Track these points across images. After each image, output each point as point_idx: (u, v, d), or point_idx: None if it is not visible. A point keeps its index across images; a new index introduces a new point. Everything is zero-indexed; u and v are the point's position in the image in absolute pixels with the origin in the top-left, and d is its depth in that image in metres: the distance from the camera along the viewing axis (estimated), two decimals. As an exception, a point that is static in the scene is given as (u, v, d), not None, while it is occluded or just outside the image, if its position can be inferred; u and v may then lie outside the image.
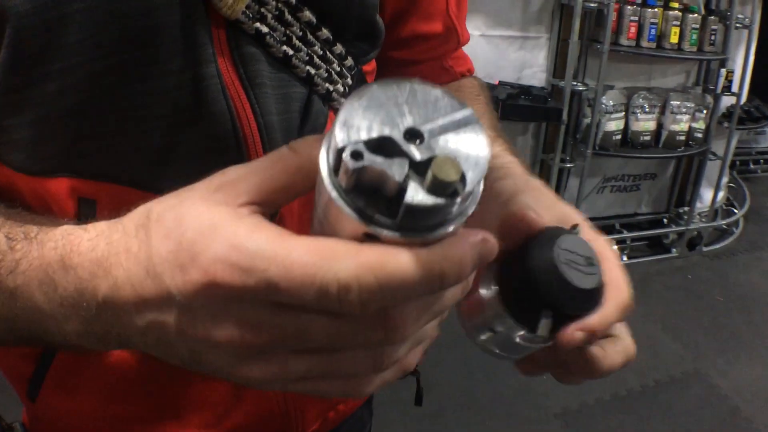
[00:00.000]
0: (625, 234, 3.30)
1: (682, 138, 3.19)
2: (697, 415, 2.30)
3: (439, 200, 0.25)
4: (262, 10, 0.49)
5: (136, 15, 0.42)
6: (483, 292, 0.41)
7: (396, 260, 0.26)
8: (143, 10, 0.43)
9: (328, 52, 0.55)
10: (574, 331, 0.39)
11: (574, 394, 2.32)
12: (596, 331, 0.40)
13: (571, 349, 0.40)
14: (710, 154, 3.35)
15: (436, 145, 0.26)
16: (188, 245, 0.29)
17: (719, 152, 3.37)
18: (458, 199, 0.26)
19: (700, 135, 3.24)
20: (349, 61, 0.57)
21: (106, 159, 0.47)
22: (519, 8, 2.81)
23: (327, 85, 0.55)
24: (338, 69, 0.56)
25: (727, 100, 3.30)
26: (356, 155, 0.25)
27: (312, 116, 0.54)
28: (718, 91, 3.19)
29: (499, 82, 2.83)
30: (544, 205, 0.43)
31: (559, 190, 3.10)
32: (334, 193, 0.26)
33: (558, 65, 2.97)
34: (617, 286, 0.42)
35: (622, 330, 0.45)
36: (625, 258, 3.25)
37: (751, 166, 4.64)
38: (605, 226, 3.35)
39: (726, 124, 3.34)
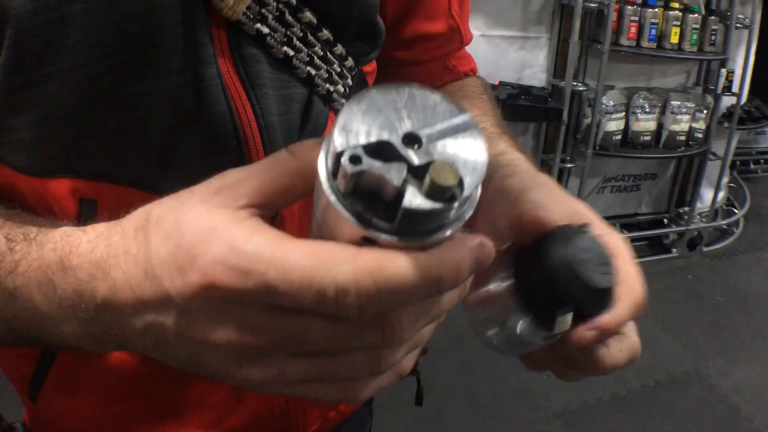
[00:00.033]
0: (626, 234, 3.30)
1: (683, 138, 3.19)
2: (697, 415, 2.30)
3: (437, 205, 0.25)
4: (263, 11, 0.49)
5: (137, 16, 0.43)
6: (495, 287, 0.41)
7: (394, 264, 0.26)
8: (144, 11, 0.43)
9: (328, 53, 0.55)
10: (586, 330, 0.39)
11: (575, 394, 2.33)
12: (609, 330, 0.40)
13: (579, 346, 0.40)
14: (710, 154, 3.35)
15: (434, 150, 0.26)
16: (187, 247, 0.29)
17: (719, 152, 3.37)
18: (456, 204, 0.26)
19: (700, 135, 3.24)
20: (350, 62, 0.57)
21: (106, 159, 0.47)
22: (519, 8, 2.81)
23: (327, 85, 0.55)
24: (339, 70, 0.56)
25: (727, 100, 3.30)
26: (355, 159, 0.25)
27: (312, 117, 0.54)
28: (719, 91, 3.19)
29: (500, 82, 2.83)
30: (555, 202, 0.43)
31: (559, 190, 3.10)
32: (332, 197, 0.26)
33: (558, 65, 2.97)
34: (630, 284, 0.42)
35: (629, 327, 0.45)
36: (625, 258, 3.24)
37: (752, 166, 4.64)
38: (605, 226, 3.34)
39: (726, 124, 3.34)
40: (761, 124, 3.80)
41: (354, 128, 0.26)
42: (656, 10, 2.89)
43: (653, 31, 2.90)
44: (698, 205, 3.47)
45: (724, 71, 3.14)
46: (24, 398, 0.60)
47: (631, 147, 3.13)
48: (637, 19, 2.88)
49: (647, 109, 3.09)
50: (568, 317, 0.39)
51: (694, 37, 3.00)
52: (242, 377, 0.32)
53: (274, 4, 0.49)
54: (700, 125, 3.22)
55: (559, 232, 0.40)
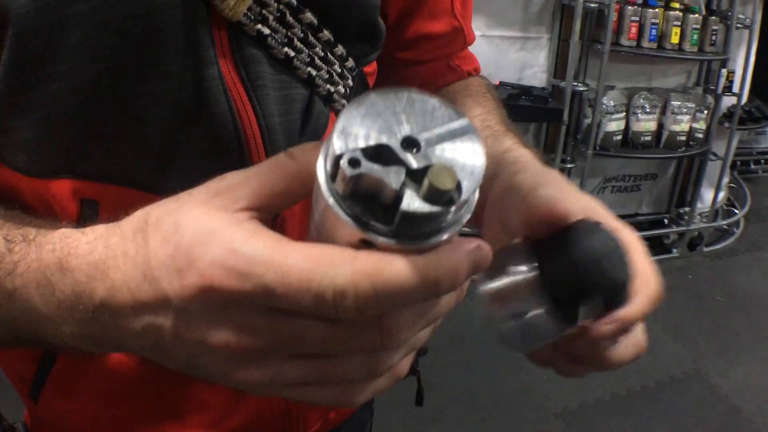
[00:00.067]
0: (626, 234, 3.29)
1: (683, 138, 3.19)
2: (698, 416, 2.30)
3: (435, 208, 0.25)
4: (264, 11, 0.49)
5: (138, 17, 0.43)
6: (515, 279, 0.41)
7: (392, 267, 0.26)
8: (145, 12, 0.43)
9: (329, 54, 0.55)
10: (606, 324, 0.39)
11: (575, 394, 2.33)
12: (628, 324, 0.39)
13: (597, 340, 0.40)
14: (711, 154, 3.35)
15: (432, 154, 0.27)
16: (186, 249, 0.29)
17: (720, 152, 3.37)
18: (453, 208, 0.26)
19: (700, 135, 3.24)
20: (350, 63, 0.57)
21: (107, 160, 0.47)
22: (519, 8, 2.81)
23: (328, 86, 0.55)
24: (339, 70, 0.56)
25: (727, 101, 3.30)
26: (354, 162, 0.26)
27: (313, 117, 0.54)
28: (719, 91, 3.18)
29: (500, 82, 2.83)
30: (569, 197, 0.43)
31: (559, 190, 3.10)
32: (331, 200, 0.27)
33: (559, 66, 2.97)
34: (646, 278, 0.42)
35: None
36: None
37: (752, 167, 4.63)
38: (606, 226, 3.34)
39: (727, 125, 3.34)
40: (762, 125, 3.79)
41: (353, 132, 0.26)
42: (657, 10, 2.89)
43: (654, 32, 2.90)
44: (699, 205, 3.47)
45: (724, 71, 3.14)
46: (25, 399, 0.60)
47: (631, 147, 3.13)
48: (637, 19, 2.88)
49: (648, 110, 3.09)
50: (589, 310, 0.39)
51: (695, 37, 3.00)
52: (239, 379, 0.32)
53: (275, 5, 0.49)
54: (701, 125, 3.22)
55: (579, 225, 0.40)
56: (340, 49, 0.56)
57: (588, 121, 3.00)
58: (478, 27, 2.66)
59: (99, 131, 0.45)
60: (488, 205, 0.48)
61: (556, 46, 2.94)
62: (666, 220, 3.56)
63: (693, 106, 3.15)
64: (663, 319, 2.76)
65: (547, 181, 0.45)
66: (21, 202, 0.47)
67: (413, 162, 0.26)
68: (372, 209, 0.26)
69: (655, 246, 3.46)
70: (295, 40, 0.51)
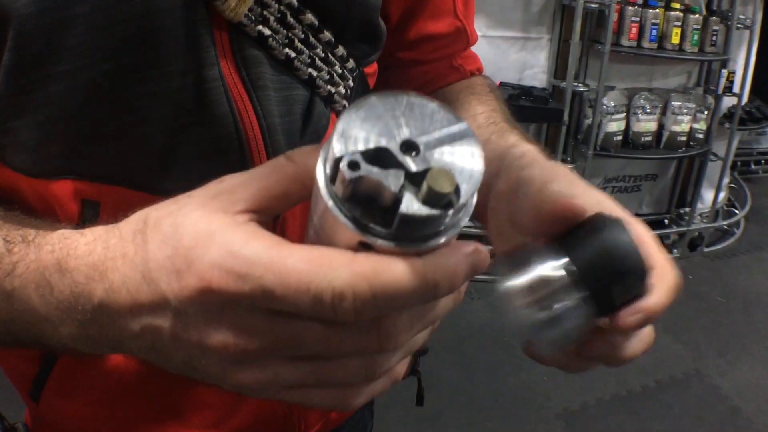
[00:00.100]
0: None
1: (683, 139, 3.19)
2: (698, 416, 2.30)
3: (434, 211, 0.26)
4: (265, 12, 0.49)
5: (139, 18, 0.43)
6: (544, 274, 0.40)
7: (390, 269, 0.26)
8: (145, 13, 0.43)
9: (329, 55, 0.55)
10: (630, 315, 0.39)
11: (575, 394, 2.33)
12: (653, 315, 0.39)
13: (622, 331, 0.39)
14: (711, 154, 3.35)
15: (431, 158, 0.27)
16: (185, 251, 0.29)
17: (720, 153, 3.37)
18: (452, 211, 0.26)
19: (701, 136, 3.24)
20: (351, 63, 0.58)
21: (109, 161, 0.47)
22: (520, 9, 2.81)
23: (329, 87, 0.55)
24: (340, 71, 0.56)
25: (728, 101, 3.30)
26: (353, 165, 0.26)
27: (314, 118, 0.54)
28: (720, 91, 3.18)
29: (500, 83, 2.83)
30: (583, 192, 0.43)
31: (560, 190, 3.10)
32: (330, 202, 0.27)
33: (559, 66, 2.97)
34: (664, 270, 0.41)
35: None
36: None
37: (752, 167, 4.63)
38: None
39: (727, 125, 3.34)
40: (762, 125, 3.79)
41: (353, 134, 0.27)
42: (657, 10, 2.89)
43: (654, 32, 2.90)
44: (699, 205, 3.47)
45: (725, 72, 3.14)
46: (26, 399, 0.60)
47: (631, 148, 3.13)
48: (638, 19, 2.88)
49: (648, 110, 3.09)
50: (620, 300, 0.39)
51: (695, 37, 3.00)
52: (237, 381, 0.32)
53: (276, 5, 0.49)
54: (701, 126, 3.22)
55: (600, 218, 0.40)
56: (340, 50, 0.56)
57: (588, 121, 3.00)
58: (478, 27, 2.64)
59: (100, 132, 0.45)
60: (494, 199, 0.48)
61: (557, 47, 2.94)
62: (666, 221, 3.56)
63: (693, 106, 3.15)
64: (663, 319, 2.75)
65: (558, 175, 0.45)
66: (22, 202, 0.47)
67: (412, 165, 0.26)
68: (371, 212, 0.26)
69: (656, 246, 3.46)
70: (296, 41, 0.51)
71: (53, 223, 0.40)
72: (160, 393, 0.57)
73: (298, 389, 0.33)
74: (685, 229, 3.41)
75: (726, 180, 3.59)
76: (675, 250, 3.43)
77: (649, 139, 3.14)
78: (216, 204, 0.31)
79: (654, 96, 3.12)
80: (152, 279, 0.31)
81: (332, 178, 0.27)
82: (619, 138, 3.09)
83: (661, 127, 3.16)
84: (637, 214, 3.50)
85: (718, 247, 3.58)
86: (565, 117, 2.88)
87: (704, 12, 3.09)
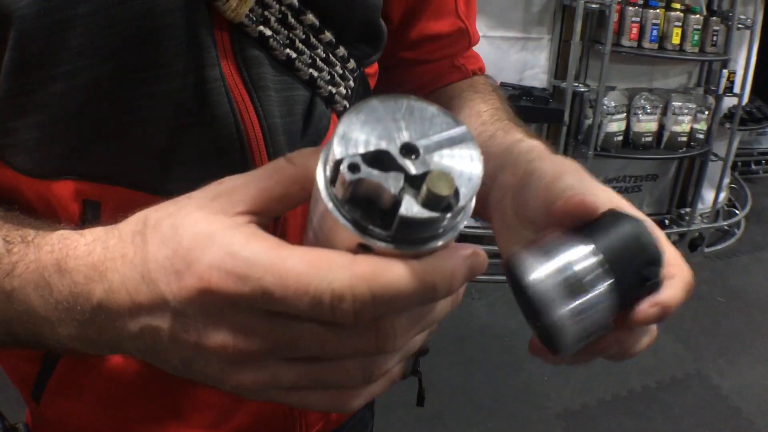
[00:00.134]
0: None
1: (684, 139, 3.19)
2: (698, 416, 2.30)
3: (433, 214, 0.26)
4: (266, 13, 0.49)
5: (140, 18, 0.43)
6: (571, 261, 0.39)
7: (389, 271, 0.27)
8: (146, 13, 0.43)
9: (330, 55, 0.55)
10: (650, 307, 0.38)
11: (575, 395, 2.33)
12: (670, 308, 0.39)
13: (639, 324, 0.39)
14: (712, 155, 3.34)
15: (431, 161, 0.27)
16: (184, 252, 0.29)
17: (721, 153, 3.36)
18: (451, 214, 0.26)
19: (701, 136, 3.24)
20: (352, 64, 0.58)
21: (109, 161, 0.47)
22: (520, 9, 2.81)
23: (330, 87, 0.55)
24: (341, 71, 0.57)
25: (728, 101, 3.30)
26: (353, 168, 0.26)
27: (315, 119, 0.54)
28: (720, 92, 3.18)
29: (501, 83, 2.83)
30: (595, 188, 0.43)
31: (560, 190, 3.10)
32: (330, 204, 0.27)
33: (559, 66, 2.97)
34: (678, 265, 0.41)
35: None
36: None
37: (753, 167, 4.63)
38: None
39: (728, 125, 3.34)
40: (763, 125, 3.79)
41: (353, 137, 0.27)
42: (658, 10, 2.89)
43: (655, 32, 2.90)
44: (699, 206, 3.47)
45: (725, 72, 3.14)
46: (27, 400, 0.60)
47: (632, 148, 3.13)
48: (638, 19, 2.88)
49: (648, 110, 3.09)
50: (643, 290, 0.39)
51: (696, 37, 3.00)
52: (235, 382, 0.32)
53: (277, 6, 0.49)
54: (702, 126, 3.22)
55: (617, 213, 0.39)
56: (341, 51, 0.56)
57: (589, 121, 3.00)
58: (478, 28, 2.64)
59: (101, 132, 0.45)
60: (500, 191, 0.48)
61: (557, 47, 2.94)
62: (667, 221, 3.56)
63: (694, 106, 3.15)
64: (661, 322, 2.76)
65: (568, 169, 0.45)
66: (22, 203, 0.47)
67: (412, 168, 0.26)
68: (370, 214, 0.27)
69: (656, 246, 3.46)
70: (297, 41, 0.51)
71: (53, 224, 0.40)
72: (160, 393, 0.57)
73: (296, 391, 0.33)
74: (685, 229, 3.41)
75: (726, 180, 3.59)
76: (675, 251, 3.43)
77: (649, 139, 3.14)
78: (216, 205, 0.31)
79: (654, 96, 3.12)
80: (151, 279, 0.31)
81: (332, 180, 0.27)
82: (620, 138, 3.09)
83: (661, 127, 3.16)
84: (638, 215, 3.51)
85: (719, 247, 3.58)
86: (566, 117, 2.88)
87: (705, 12, 3.09)
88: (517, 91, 2.79)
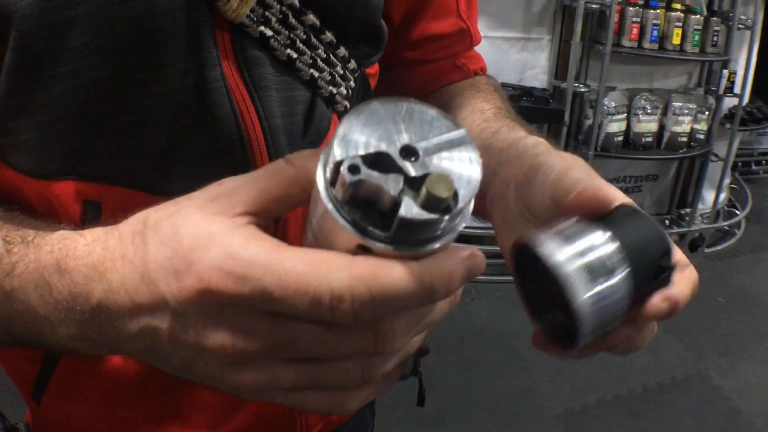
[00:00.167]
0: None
1: (684, 139, 3.19)
2: (699, 417, 2.30)
3: (432, 215, 0.26)
4: (267, 13, 0.49)
5: (141, 19, 0.43)
6: (594, 244, 0.39)
7: (388, 272, 0.27)
8: (148, 14, 0.43)
9: (331, 55, 0.55)
10: (661, 301, 0.38)
11: (576, 395, 2.33)
12: (680, 303, 0.39)
13: (650, 318, 0.39)
14: (712, 155, 3.35)
15: (430, 163, 0.27)
16: (184, 253, 0.30)
17: (721, 153, 3.37)
18: (450, 216, 0.27)
19: (702, 136, 3.24)
20: (353, 64, 0.58)
21: (110, 162, 0.47)
22: (521, 9, 2.81)
23: (330, 87, 0.55)
24: (341, 72, 0.57)
25: (729, 102, 3.30)
26: (353, 169, 0.26)
27: (316, 119, 0.54)
28: (720, 92, 3.19)
29: (501, 83, 2.82)
30: (600, 183, 0.43)
31: (560, 191, 3.10)
32: (330, 205, 0.27)
33: (560, 67, 2.97)
34: (684, 264, 0.41)
35: None
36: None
37: (753, 168, 4.63)
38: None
39: (728, 126, 3.34)
40: (763, 125, 3.79)
41: (353, 139, 0.27)
42: (658, 11, 2.89)
43: (655, 32, 2.90)
44: (700, 206, 3.47)
45: (726, 72, 3.14)
46: (27, 400, 0.60)
47: (632, 148, 3.13)
48: (638, 20, 2.88)
49: (649, 111, 3.09)
50: (656, 282, 0.39)
51: (696, 38, 3.00)
52: (234, 383, 0.32)
53: (278, 6, 0.49)
54: (702, 126, 3.22)
55: (632, 207, 0.39)
56: (342, 51, 0.56)
57: (589, 122, 3.00)
58: (479, 28, 2.66)
59: (102, 132, 0.46)
60: (501, 185, 0.48)
61: (557, 47, 2.94)
62: (667, 221, 3.56)
63: (694, 107, 3.15)
64: (664, 321, 2.75)
65: (576, 165, 0.45)
66: (23, 203, 0.47)
67: (411, 170, 0.27)
68: (370, 215, 0.27)
69: (657, 247, 3.46)
70: (298, 41, 0.51)
71: (53, 224, 0.40)
72: (161, 394, 0.57)
73: (295, 392, 0.33)
74: (685, 229, 3.41)
75: (727, 180, 3.59)
76: (676, 251, 3.43)
77: (649, 139, 3.14)
78: (215, 206, 0.31)
79: (655, 96, 3.12)
80: (151, 280, 0.31)
81: (332, 181, 0.27)
82: (620, 139, 3.09)
83: (661, 127, 3.17)
84: (638, 215, 3.51)
85: (719, 247, 3.58)
86: (566, 118, 2.88)
87: (705, 12, 3.09)
88: (518, 91, 2.79)
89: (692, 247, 3.47)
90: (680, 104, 3.12)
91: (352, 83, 0.58)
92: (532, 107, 2.75)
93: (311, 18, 0.52)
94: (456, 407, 2.22)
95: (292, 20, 0.51)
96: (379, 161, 0.27)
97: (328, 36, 0.54)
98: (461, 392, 2.29)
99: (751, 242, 3.66)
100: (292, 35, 0.51)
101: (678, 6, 2.95)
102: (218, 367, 0.31)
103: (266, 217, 0.32)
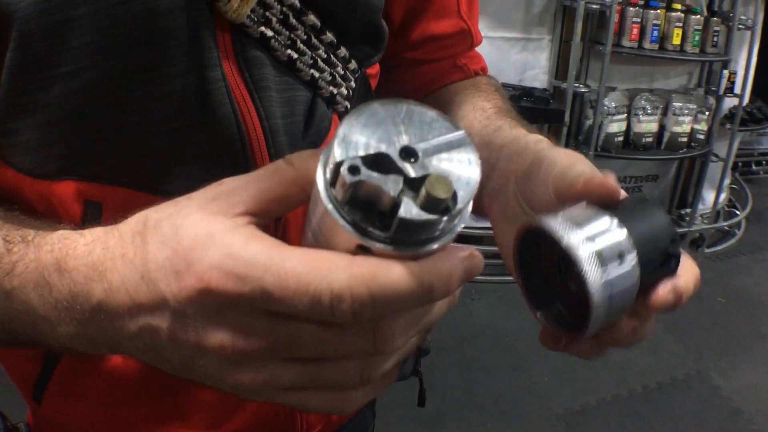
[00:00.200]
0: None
1: (684, 139, 3.19)
2: (699, 417, 2.30)
3: (431, 216, 0.26)
4: (267, 13, 0.49)
5: (142, 19, 0.43)
6: (608, 229, 0.38)
7: (388, 272, 0.27)
8: (148, 14, 0.43)
9: (332, 56, 0.55)
10: (668, 292, 0.38)
11: (576, 395, 2.33)
12: (685, 295, 0.39)
13: (657, 308, 0.39)
14: (712, 155, 3.35)
15: (429, 164, 0.27)
16: (184, 252, 0.30)
17: (721, 154, 3.37)
18: (449, 216, 0.27)
19: (702, 136, 3.24)
20: (353, 65, 0.58)
21: (111, 162, 0.47)
22: (521, 10, 2.81)
23: (331, 88, 0.55)
24: (342, 72, 0.57)
25: (729, 102, 3.30)
26: (353, 170, 0.26)
27: (316, 119, 0.54)
28: (721, 92, 3.19)
29: (501, 84, 2.82)
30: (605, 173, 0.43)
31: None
32: (329, 206, 0.27)
33: (560, 67, 2.97)
34: (686, 260, 0.41)
35: None
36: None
37: (753, 168, 4.63)
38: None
39: (728, 126, 3.34)
40: (763, 126, 3.79)
41: (353, 140, 0.27)
42: (658, 11, 2.89)
43: (655, 33, 2.90)
44: (700, 206, 3.47)
45: (726, 72, 3.14)
46: (28, 400, 0.60)
47: (632, 148, 3.14)
48: (639, 20, 2.88)
49: (649, 111, 3.09)
50: (663, 271, 0.39)
51: (696, 38, 3.00)
52: (233, 382, 0.32)
53: (278, 7, 0.49)
54: (702, 127, 3.22)
55: (638, 196, 0.40)
56: (342, 51, 0.56)
57: (589, 122, 3.01)
58: (479, 28, 2.66)
59: (102, 133, 0.46)
60: (500, 179, 0.48)
61: (558, 48, 2.94)
62: (667, 221, 3.56)
63: (694, 107, 3.16)
64: (664, 320, 2.76)
65: (580, 160, 0.45)
66: (24, 203, 0.47)
67: (411, 171, 0.27)
68: (370, 216, 0.27)
69: (657, 247, 3.46)
70: (299, 42, 0.52)
71: (53, 224, 0.40)
72: (161, 393, 0.57)
73: (294, 392, 0.33)
74: (686, 229, 3.41)
75: (727, 181, 3.59)
76: (676, 251, 3.43)
77: (650, 139, 3.14)
78: (215, 206, 0.31)
79: (655, 97, 3.12)
80: (151, 279, 0.31)
81: (332, 182, 0.28)
82: (620, 139, 3.09)
83: (662, 128, 3.17)
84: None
85: (719, 247, 3.58)
86: (566, 118, 2.88)
87: (705, 13, 3.09)
88: (518, 91, 2.79)
89: (692, 247, 3.47)
90: (680, 104, 3.12)
91: (352, 83, 0.58)
92: (532, 107, 2.75)
93: (312, 18, 0.52)
94: (456, 407, 2.22)
95: (293, 21, 0.51)
96: (379, 162, 0.27)
97: (329, 36, 0.54)
98: (461, 392, 2.29)
99: (751, 242, 3.66)
100: (292, 36, 0.51)
101: (678, 6, 2.95)
102: (218, 366, 0.32)
103: (266, 217, 0.32)
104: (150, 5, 0.43)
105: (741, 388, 2.45)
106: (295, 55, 0.51)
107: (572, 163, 0.44)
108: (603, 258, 0.36)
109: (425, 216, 0.26)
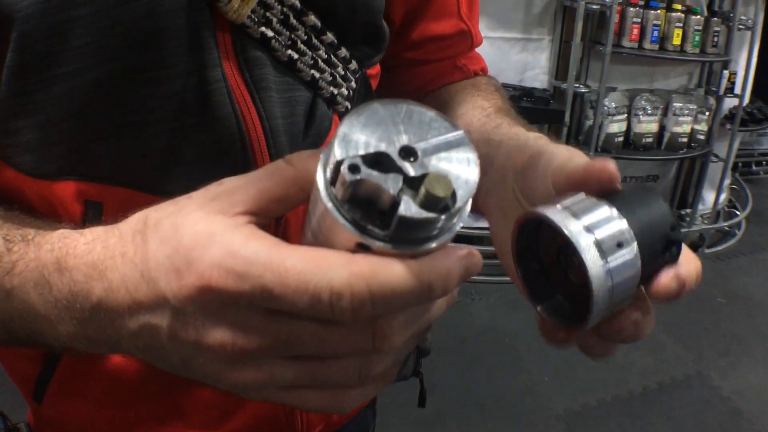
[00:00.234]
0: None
1: (685, 140, 3.19)
2: (699, 417, 2.30)
3: (431, 215, 0.27)
4: (268, 14, 0.49)
5: (142, 19, 0.43)
6: (610, 216, 0.38)
7: (387, 270, 0.27)
8: (149, 14, 0.43)
9: (332, 56, 0.55)
10: (671, 279, 0.38)
11: (576, 395, 2.33)
12: (687, 284, 0.38)
13: (659, 296, 0.38)
14: (712, 155, 3.35)
15: (429, 163, 0.28)
16: (185, 251, 0.30)
17: (721, 154, 3.37)
18: (448, 215, 0.27)
19: (702, 137, 3.24)
20: (354, 65, 0.58)
21: (111, 162, 0.47)
22: (521, 10, 2.81)
23: (331, 88, 0.55)
24: (342, 73, 0.57)
25: (729, 102, 3.30)
26: (353, 168, 0.27)
27: (317, 120, 0.54)
28: (721, 92, 3.19)
29: (501, 84, 2.82)
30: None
31: (561, 191, 3.11)
32: (329, 204, 0.28)
33: (560, 67, 2.97)
34: (690, 254, 0.41)
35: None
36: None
37: (754, 168, 4.63)
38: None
39: (728, 126, 3.34)
40: (763, 126, 3.79)
41: (354, 139, 0.27)
42: (658, 11, 2.89)
43: (655, 33, 2.91)
44: (700, 206, 3.47)
45: (726, 73, 3.15)
46: (28, 400, 0.60)
47: (633, 149, 3.14)
48: (639, 20, 2.89)
49: (649, 111, 3.09)
50: (664, 260, 0.38)
51: (697, 38, 3.01)
52: (233, 381, 0.32)
53: (279, 7, 0.49)
54: (702, 127, 3.22)
55: (644, 185, 0.39)
56: (343, 52, 0.56)
57: (589, 122, 3.01)
58: (479, 29, 2.66)
59: (102, 133, 0.46)
60: (497, 173, 0.48)
61: (558, 48, 2.95)
62: (667, 222, 3.56)
63: (695, 107, 3.16)
64: (664, 321, 2.76)
65: (579, 154, 0.45)
66: (24, 203, 0.47)
67: (410, 170, 0.27)
68: (369, 214, 0.27)
69: (657, 247, 3.46)
70: (299, 42, 0.52)
71: (53, 223, 0.40)
72: (161, 393, 0.57)
73: (294, 390, 0.33)
74: (686, 230, 3.41)
75: (727, 181, 3.59)
76: (676, 251, 3.43)
77: (650, 140, 3.14)
78: (215, 206, 0.31)
79: (655, 97, 3.13)
80: (151, 278, 0.31)
81: (332, 181, 0.28)
82: (620, 139, 3.09)
83: (662, 128, 3.17)
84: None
85: (720, 248, 3.58)
86: (566, 118, 2.88)
87: (706, 13, 3.10)
88: (518, 92, 2.80)
89: (692, 247, 3.47)
90: (681, 105, 3.12)
91: (353, 84, 0.58)
92: (532, 108, 2.75)
93: (312, 19, 0.52)
94: (456, 407, 2.22)
95: (293, 21, 0.51)
96: (378, 161, 0.27)
97: (329, 37, 0.54)
98: (461, 392, 2.29)
99: (752, 243, 3.66)
100: (293, 36, 0.51)
101: (678, 6, 2.95)
102: (218, 365, 0.32)
103: (266, 216, 0.32)
104: (150, 6, 0.43)
105: (741, 388, 2.45)
106: (296, 56, 0.51)
107: (571, 157, 0.44)
108: (603, 247, 0.36)
109: (424, 214, 0.26)
